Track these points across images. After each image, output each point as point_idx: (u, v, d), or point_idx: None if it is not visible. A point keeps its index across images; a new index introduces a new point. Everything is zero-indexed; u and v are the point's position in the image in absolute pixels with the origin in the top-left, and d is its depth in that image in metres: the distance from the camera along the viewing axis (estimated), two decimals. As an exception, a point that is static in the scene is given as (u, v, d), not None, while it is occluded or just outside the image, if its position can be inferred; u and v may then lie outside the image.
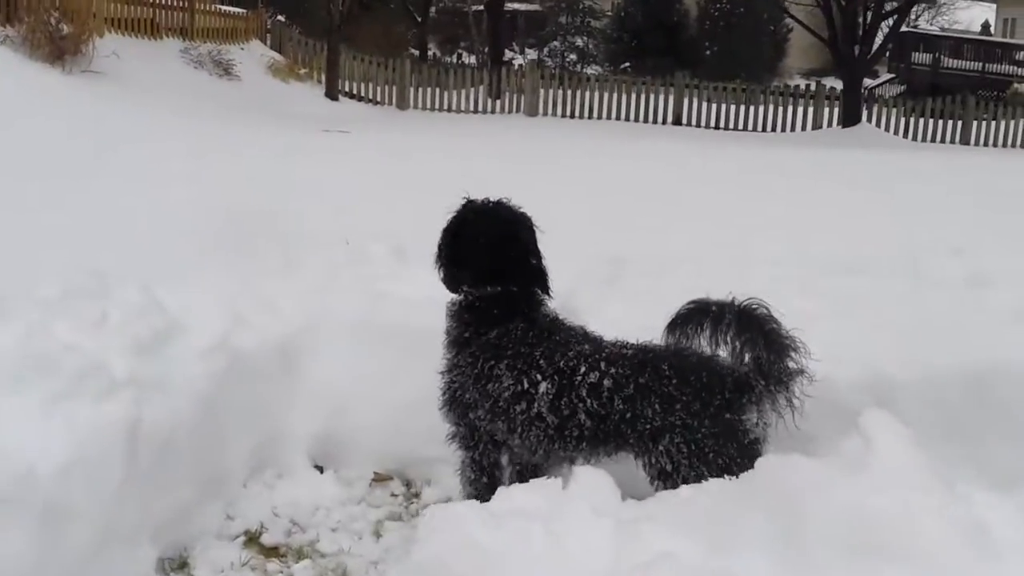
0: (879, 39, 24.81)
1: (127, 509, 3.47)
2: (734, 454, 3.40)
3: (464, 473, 3.90)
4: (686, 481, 3.28)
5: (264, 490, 4.26)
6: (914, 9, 33.71)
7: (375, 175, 8.64)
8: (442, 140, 13.27)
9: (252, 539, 3.95)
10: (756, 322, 3.53)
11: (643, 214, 7.14)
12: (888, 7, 24.11)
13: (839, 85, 23.73)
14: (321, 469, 4.42)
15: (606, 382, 3.47)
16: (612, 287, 5.26)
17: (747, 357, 3.53)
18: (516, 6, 45.35)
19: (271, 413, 4.43)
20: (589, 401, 3.48)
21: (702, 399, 3.43)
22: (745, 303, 3.57)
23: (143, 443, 3.58)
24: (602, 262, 5.52)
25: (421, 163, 9.71)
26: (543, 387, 3.52)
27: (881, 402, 3.78)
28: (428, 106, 22.72)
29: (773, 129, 22.80)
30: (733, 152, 13.75)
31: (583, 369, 3.51)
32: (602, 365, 3.51)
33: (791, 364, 3.50)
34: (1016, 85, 32.91)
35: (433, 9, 38.21)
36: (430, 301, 3.98)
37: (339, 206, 7.03)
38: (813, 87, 23.57)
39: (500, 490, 3.04)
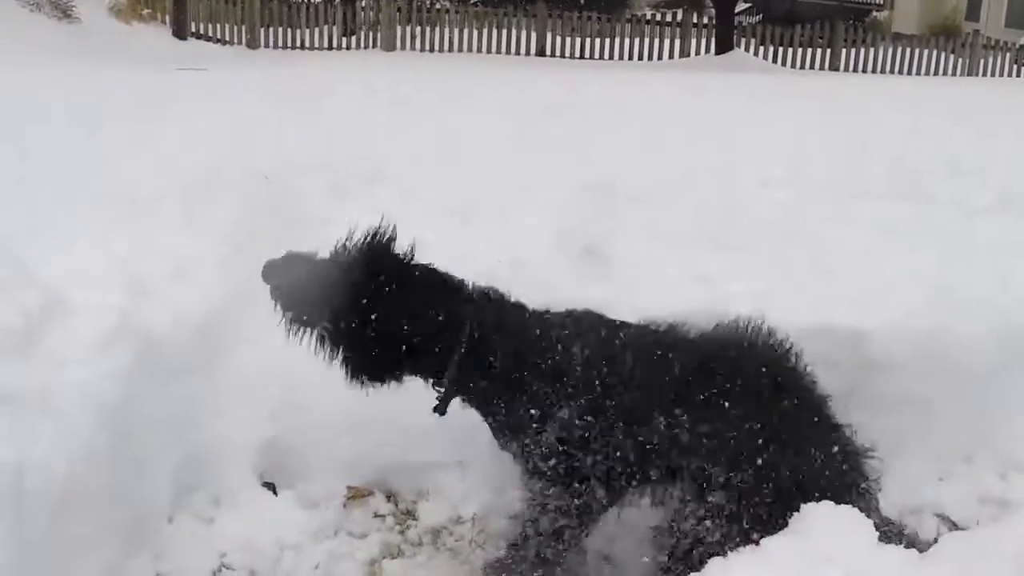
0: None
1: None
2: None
3: None
4: None
5: (199, 526, 3.05)
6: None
7: (259, 107, 7.28)
8: (313, 76, 11.88)
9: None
10: None
11: (607, 143, 6.04)
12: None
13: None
14: (274, 488, 3.22)
15: None
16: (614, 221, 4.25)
17: None
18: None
19: (195, 418, 3.20)
20: None
21: None
22: None
23: (30, 500, 2.35)
24: (590, 189, 4.46)
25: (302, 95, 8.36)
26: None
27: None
28: (280, 44, 21.08)
29: (640, 58, 21.99)
30: (637, 78, 12.76)
31: None
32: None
33: None
34: (875, 14, 33.07)
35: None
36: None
37: (229, 142, 5.70)
38: (680, 15, 22.88)
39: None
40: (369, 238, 2.69)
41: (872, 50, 21.94)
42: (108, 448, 2.71)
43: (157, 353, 3.05)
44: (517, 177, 4.70)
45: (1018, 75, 21.99)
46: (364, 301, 2.61)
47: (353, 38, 21.86)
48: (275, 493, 3.19)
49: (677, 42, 22.31)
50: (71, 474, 2.53)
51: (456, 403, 2.73)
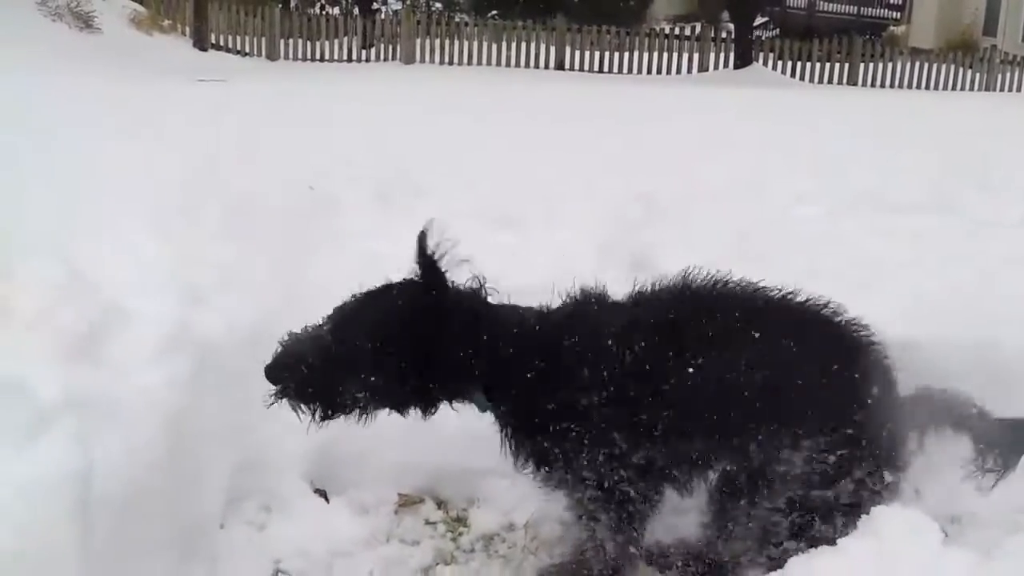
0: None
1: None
2: None
3: None
4: None
5: (252, 532, 3.07)
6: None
7: (285, 121, 7.34)
8: (338, 88, 11.94)
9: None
10: None
11: (639, 155, 6.08)
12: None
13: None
14: (325, 495, 3.25)
15: None
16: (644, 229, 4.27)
17: None
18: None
19: (247, 425, 3.23)
20: None
21: None
22: None
23: (97, 504, 2.37)
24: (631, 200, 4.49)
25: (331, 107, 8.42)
26: None
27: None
28: (300, 56, 21.20)
29: (659, 72, 22.03)
30: (660, 92, 12.81)
31: None
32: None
33: None
34: (892, 28, 33.05)
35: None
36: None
37: (267, 153, 5.75)
38: (699, 29, 22.91)
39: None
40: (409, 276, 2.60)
41: (890, 64, 21.91)
42: (168, 454, 2.73)
43: (212, 360, 3.08)
44: (556, 188, 4.74)
45: (1036, 90, 21.95)
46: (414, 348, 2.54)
47: (372, 50, 21.94)
48: (327, 500, 3.22)
49: (696, 56, 22.34)
50: (134, 479, 2.55)
51: None
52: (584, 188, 4.80)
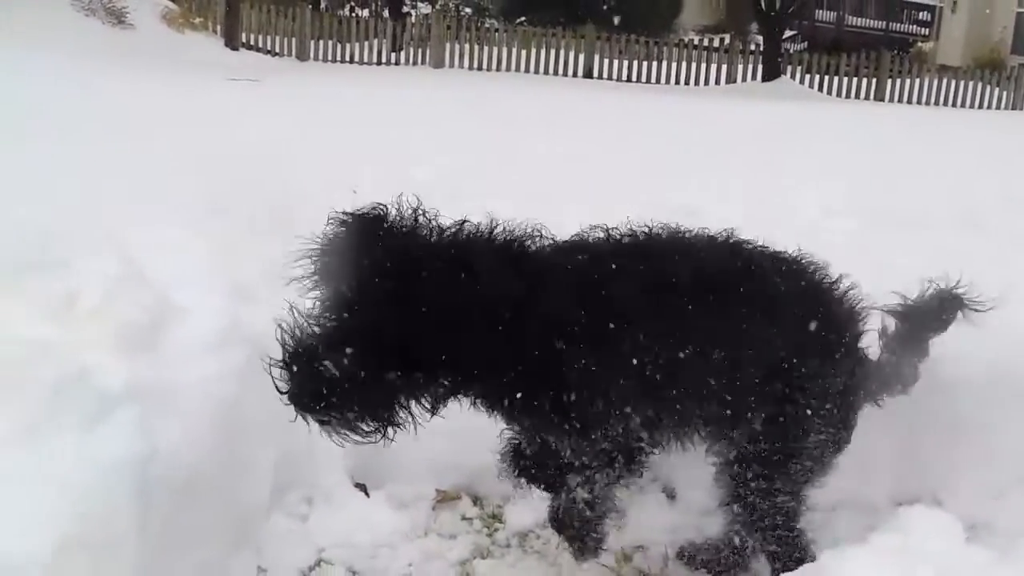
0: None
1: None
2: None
3: None
4: None
5: (295, 523, 3.18)
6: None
7: (323, 122, 7.46)
8: (373, 90, 12.07)
9: (297, 601, 2.90)
10: None
11: (667, 164, 6.17)
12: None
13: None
14: (365, 488, 3.35)
15: None
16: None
17: None
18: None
19: (291, 418, 3.32)
20: None
21: None
22: None
23: (157, 489, 2.48)
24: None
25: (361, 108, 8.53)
26: None
27: None
28: (329, 58, 21.38)
29: (687, 83, 22.12)
30: (689, 102, 12.87)
31: None
32: None
33: None
34: (920, 44, 33.03)
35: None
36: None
37: (298, 156, 5.86)
38: (727, 41, 22.97)
39: None
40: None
41: (917, 81, 21.91)
42: (221, 445, 2.84)
43: (261, 354, 3.18)
44: (594, 192, 4.83)
45: (1064, 110, 21.89)
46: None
47: (401, 54, 22.07)
48: (367, 494, 3.32)
49: (724, 67, 22.37)
50: (190, 466, 2.66)
51: None
52: (621, 193, 4.89)
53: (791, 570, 2.56)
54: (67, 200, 3.90)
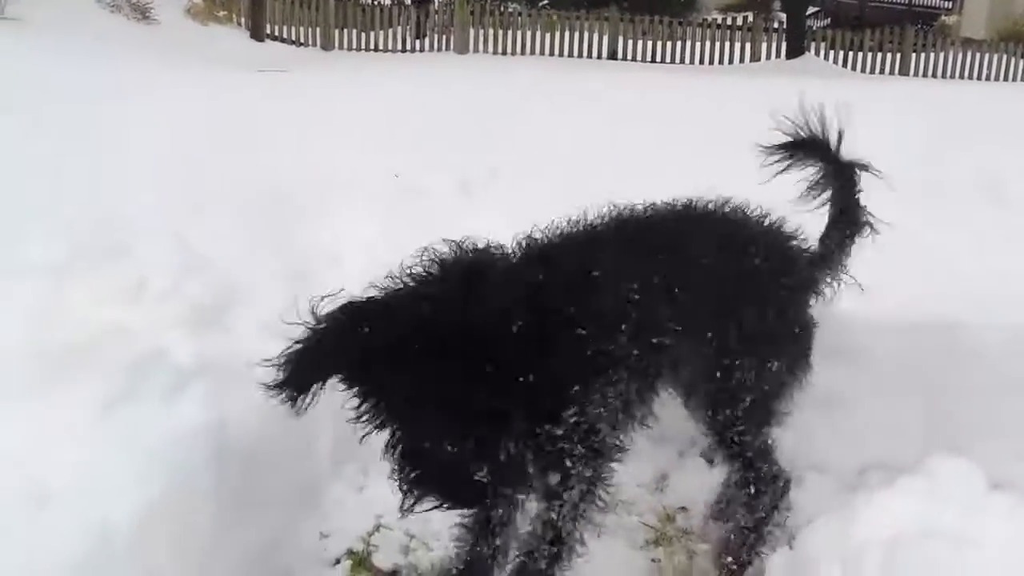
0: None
1: (218, 557, 2.56)
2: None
3: None
4: None
5: (351, 493, 3.36)
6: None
7: (369, 108, 7.59)
8: (402, 77, 12.19)
9: (359, 563, 3.08)
10: None
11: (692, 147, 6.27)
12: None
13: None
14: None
15: None
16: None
17: None
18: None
19: (345, 395, 3.50)
20: None
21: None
22: None
23: (229, 456, 2.66)
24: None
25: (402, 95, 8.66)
26: None
27: None
28: (353, 46, 21.52)
29: (711, 62, 22.11)
30: (728, 82, 12.91)
31: None
32: None
33: None
34: (944, 18, 32.81)
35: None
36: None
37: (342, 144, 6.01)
38: (750, 19, 22.95)
39: None
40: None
41: (942, 55, 21.82)
42: (283, 416, 3.01)
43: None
44: (625, 176, 4.95)
45: (1089, 81, 21.73)
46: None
47: (425, 40, 22.17)
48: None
49: (748, 46, 22.31)
50: (258, 436, 2.84)
51: None
52: (650, 177, 5.00)
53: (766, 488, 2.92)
54: (121, 190, 4.09)
